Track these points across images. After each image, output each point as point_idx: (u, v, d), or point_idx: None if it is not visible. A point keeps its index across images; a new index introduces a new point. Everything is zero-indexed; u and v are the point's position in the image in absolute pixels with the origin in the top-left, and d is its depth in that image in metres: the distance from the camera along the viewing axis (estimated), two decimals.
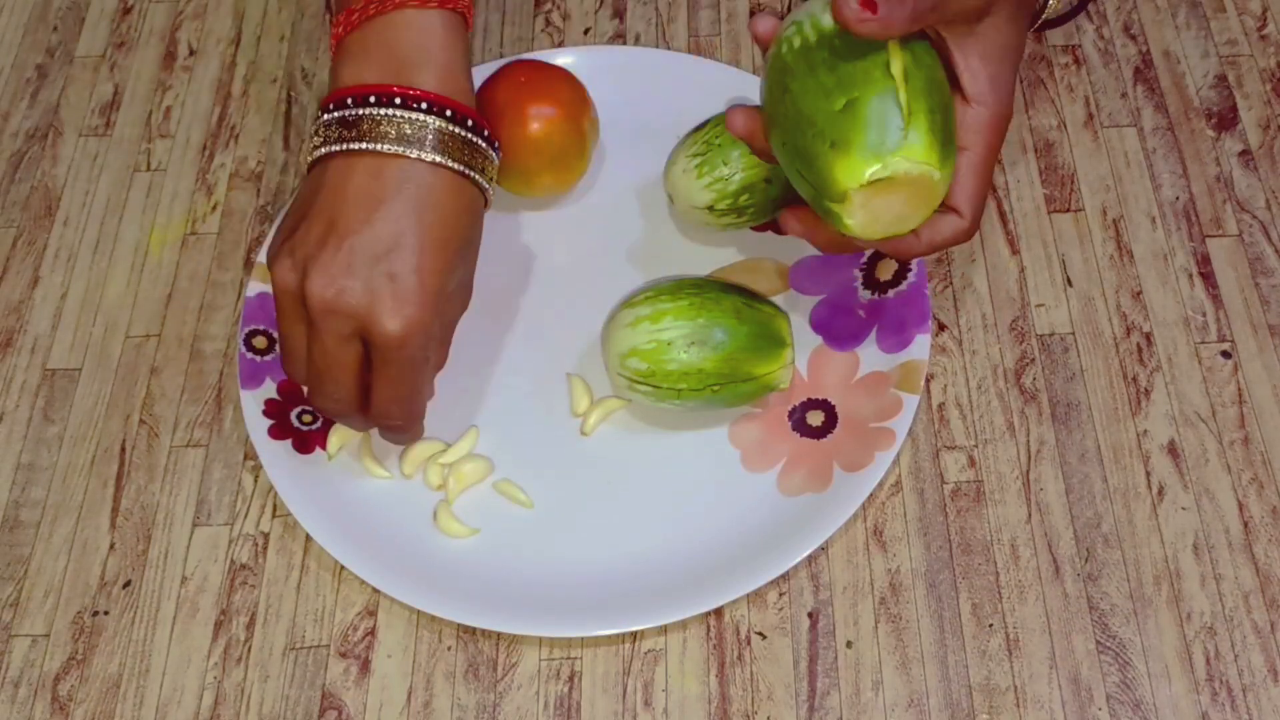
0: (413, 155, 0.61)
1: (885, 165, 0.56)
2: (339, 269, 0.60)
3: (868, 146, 0.56)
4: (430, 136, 0.62)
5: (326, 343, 0.62)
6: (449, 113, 0.62)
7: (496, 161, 0.66)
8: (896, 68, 0.57)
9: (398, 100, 0.62)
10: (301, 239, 0.62)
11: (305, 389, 0.65)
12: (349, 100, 0.62)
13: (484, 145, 0.64)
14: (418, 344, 0.62)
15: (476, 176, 0.64)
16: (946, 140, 0.57)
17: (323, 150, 0.63)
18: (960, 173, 0.60)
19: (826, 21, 0.58)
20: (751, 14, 0.60)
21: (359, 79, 0.63)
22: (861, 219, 0.58)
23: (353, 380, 0.63)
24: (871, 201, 0.57)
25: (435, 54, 0.63)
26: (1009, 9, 0.59)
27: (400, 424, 0.65)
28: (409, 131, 0.61)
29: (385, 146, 0.61)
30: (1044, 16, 0.69)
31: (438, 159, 0.62)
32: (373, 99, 0.62)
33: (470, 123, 0.63)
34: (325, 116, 0.63)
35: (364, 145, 0.61)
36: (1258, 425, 0.70)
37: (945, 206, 0.60)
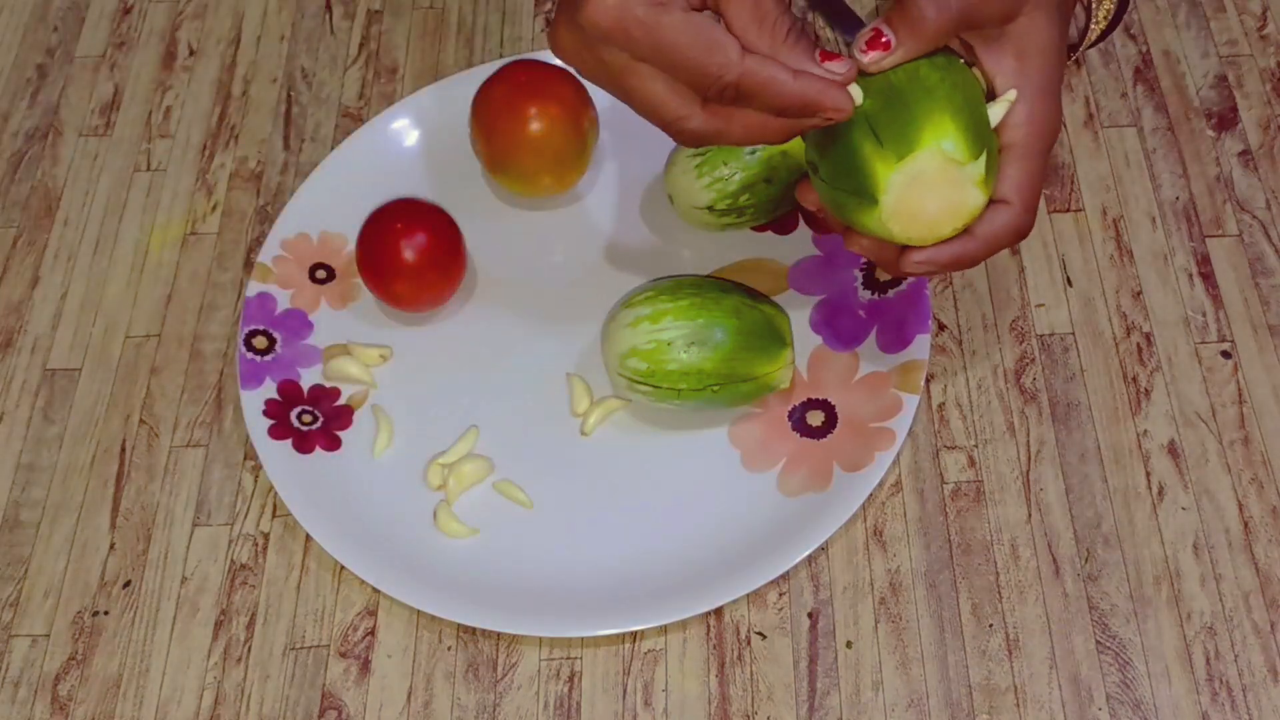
0: None
1: (912, 159, 0.56)
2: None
3: (899, 142, 0.56)
4: None
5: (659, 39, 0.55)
6: None
7: None
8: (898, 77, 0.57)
9: None
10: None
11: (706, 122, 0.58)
12: None
13: None
14: None
15: None
16: (976, 136, 0.57)
17: None
18: (1004, 166, 0.59)
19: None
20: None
21: None
22: (900, 221, 0.57)
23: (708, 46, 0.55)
24: (907, 201, 0.57)
25: None
26: (1045, 7, 0.59)
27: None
28: None
29: None
30: (1086, 41, 0.68)
31: None
32: None
33: None
34: None
35: None
36: (1258, 425, 0.70)
37: (994, 201, 0.59)
